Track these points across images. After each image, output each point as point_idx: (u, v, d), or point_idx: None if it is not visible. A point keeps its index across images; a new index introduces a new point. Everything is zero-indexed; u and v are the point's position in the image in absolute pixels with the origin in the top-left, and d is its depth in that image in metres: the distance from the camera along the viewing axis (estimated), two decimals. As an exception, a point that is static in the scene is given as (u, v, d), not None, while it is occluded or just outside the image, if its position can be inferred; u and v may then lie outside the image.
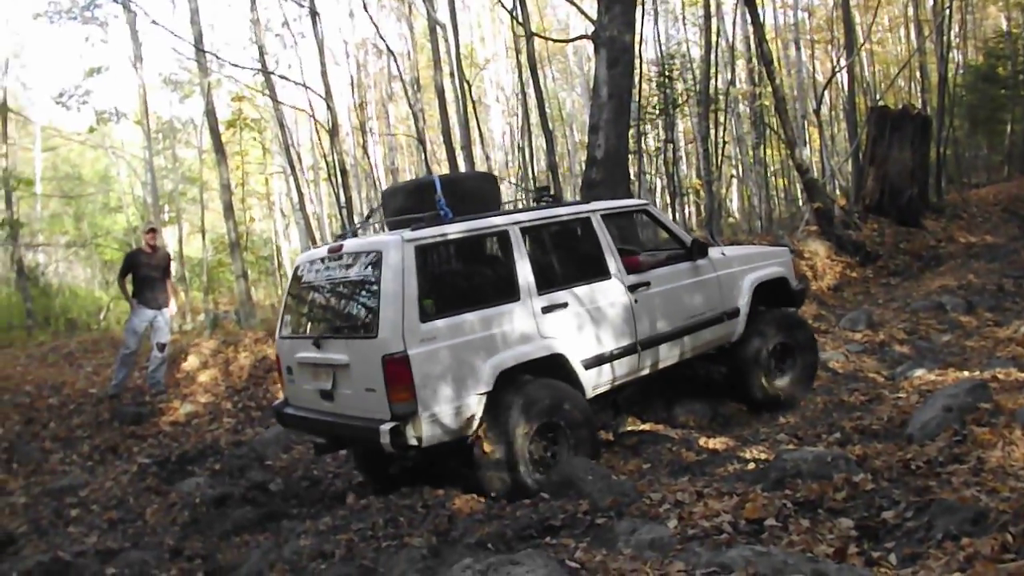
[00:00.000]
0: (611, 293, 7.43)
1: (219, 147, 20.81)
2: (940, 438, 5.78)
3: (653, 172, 27.51)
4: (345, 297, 7.05)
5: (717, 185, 24.77)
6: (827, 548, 4.24)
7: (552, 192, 8.43)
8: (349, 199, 20.02)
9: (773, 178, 34.60)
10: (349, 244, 7.05)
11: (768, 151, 32.31)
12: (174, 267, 13.17)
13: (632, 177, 18.70)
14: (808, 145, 32.81)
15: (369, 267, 6.56)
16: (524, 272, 6.90)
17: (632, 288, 7.56)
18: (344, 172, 19.93)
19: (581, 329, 7.12)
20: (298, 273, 7.58)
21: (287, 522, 7.22)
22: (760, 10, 19.49)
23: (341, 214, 21.34)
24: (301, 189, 24.77)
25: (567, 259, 7.55)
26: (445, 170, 24.23)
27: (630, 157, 17.77)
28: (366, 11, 21.75)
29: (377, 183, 34.05)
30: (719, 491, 5.49)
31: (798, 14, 32.93)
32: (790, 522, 4.71)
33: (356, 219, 21.17)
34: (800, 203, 28.12)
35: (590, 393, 7.14)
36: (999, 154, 29.46)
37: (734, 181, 34.47)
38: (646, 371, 7.77)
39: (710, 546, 4.42)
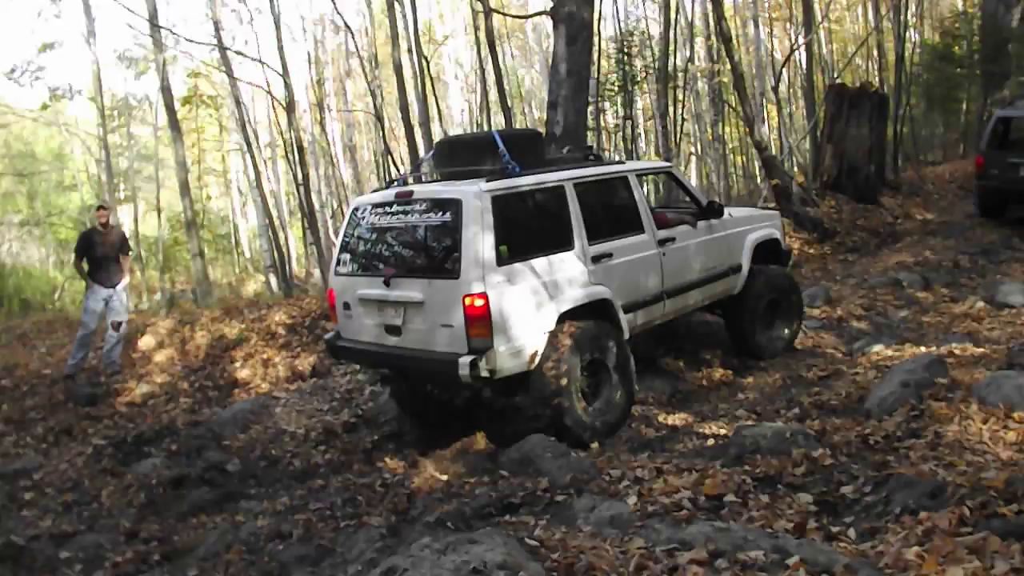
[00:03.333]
0: (645, 246, 8.08)
1: (175, 124, 20.55)
2: (898, 413, 5.83)
3: (612, 149, 27.46)
4: (419, 240, 7.38)
5: (676, 162, 24.80)
6: (787, 523, 4.25)
7: (596, 152, 9.05)
8: (306, 176, 19.81)
9: (731, 155, 34.78)
10: (420, 190, 7.49)
11: (726, 128, 32.47)
12: (131, 244, 12.96)
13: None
14: (766, 122, 32.95)
15: (447, 213, 6.98)
16: (578, 224, 7.47)
17: (661, 243, 8.23)
18: (301, 149, 19.71)
19: (622, 278, 7.75)
20: (357, 215, 7.95)
21: (244, 503, 7.18)
22: (719, -13, 19.43)
23: (298, 191, 21.14)
24: (258, 166, 24.54)
25: (610, 214, 8.04)
26: (403, 147, 24.08)
27: (589, 134, 17.74)
28: (323, -14, 21.48)
29: (335, 160, 33.84)
30: (678, 467, 5.50)
31: (757, -9, 32.99)
32: (749, 498, 4.73)
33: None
34: (758, 180, 28.26)
35: (627, 334, 7.70)
36: (955, 132, 29.67)
37: (692, 158, 34.57)
38: (667, 317, 8.59)
39: (670, 522, 4.41)
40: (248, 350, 11.84)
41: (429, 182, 8.40)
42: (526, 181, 7.28)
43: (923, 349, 8.25)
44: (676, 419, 7.65)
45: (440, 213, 7.03)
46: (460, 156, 7.81)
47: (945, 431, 5.27)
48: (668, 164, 10.46)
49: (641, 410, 7.97)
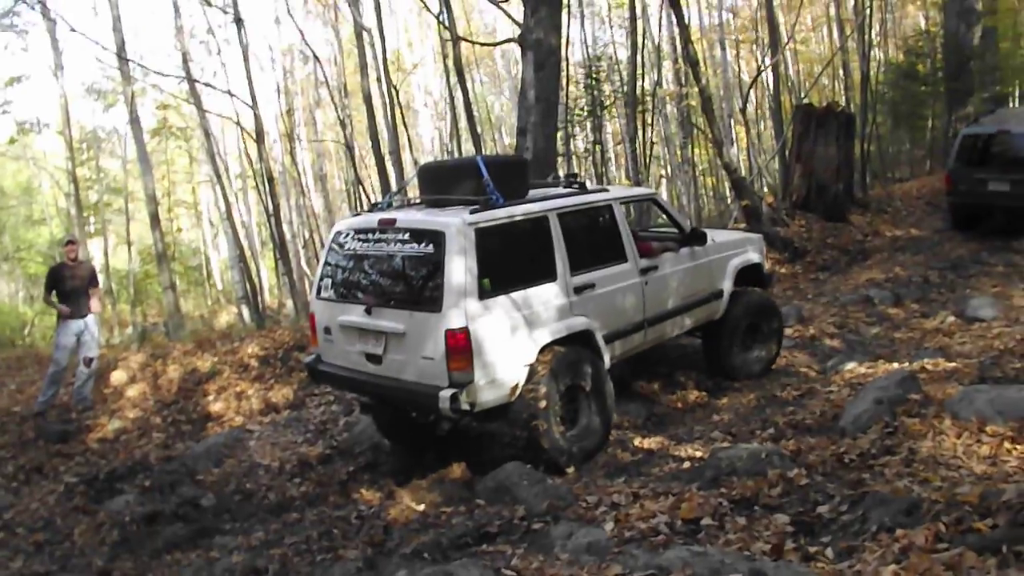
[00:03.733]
0: (627, 275, 8.07)
1: (144, 157, 20.52)
2: (872, 430, 5.84)
3: (584, 173, 27.57)
4: (401, 269, 7.29)
5: (646, 185, 24.91)
6: (764, 545, 4.24)
7: (579, 179, 8.95)
8: (277, 207, 19.77)
9: (701, 177, 34.98)
10: (403, 218, 7.39)
11: (696, 150, 32.64)
12: (100, 279, 12.86)
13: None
14: (735, 144, 33.19)
15: (430, 244, 6.92)
16: (561, 254, 7.46)
17: (643, 271, 8.24)
18: (271, 180, 19.70)
19: (604, 308, 7.75)
20: (340, 239, 7.85)
21: (219, 538, 7.10)
22: (685, 11, 19.63)
23: (269, 222, 21.08)
24: (228, 198, 24.50)
25: (593, 243, 8.01)
26: (374, 176, 24.08)
27: (559, 159, 17.79)
28: (291, 17, 21.57)
29: (306, 189, 33.76)
30: (655, 491, 5.49)
31: (723, 14, 33.42)
32: (726, 520, 4.72)
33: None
34: (728, 201, 28.42)
35: (608, 363, 7.73)
36: (921, 149, 29.98)
37: (663, 181, 34.74)
38: (648, 345, 8.56)
39: (647, 548, 4.40)
40: (221, 383, 11.75)
41: (412, 206, 8.36)
42: (510, 212, 7.23)
43: (896, 365, 8.27)
44: (652, 443, 7.64)
45: (423, 244, 6.99)
46: (443, 182, 7.80)
47: (919, 447, 5.28)
48: (651, 191, 10.48)
49: (617, 434, 7.96)
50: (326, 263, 7.96)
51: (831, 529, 4.46)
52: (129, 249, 33.03)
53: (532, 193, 7.89)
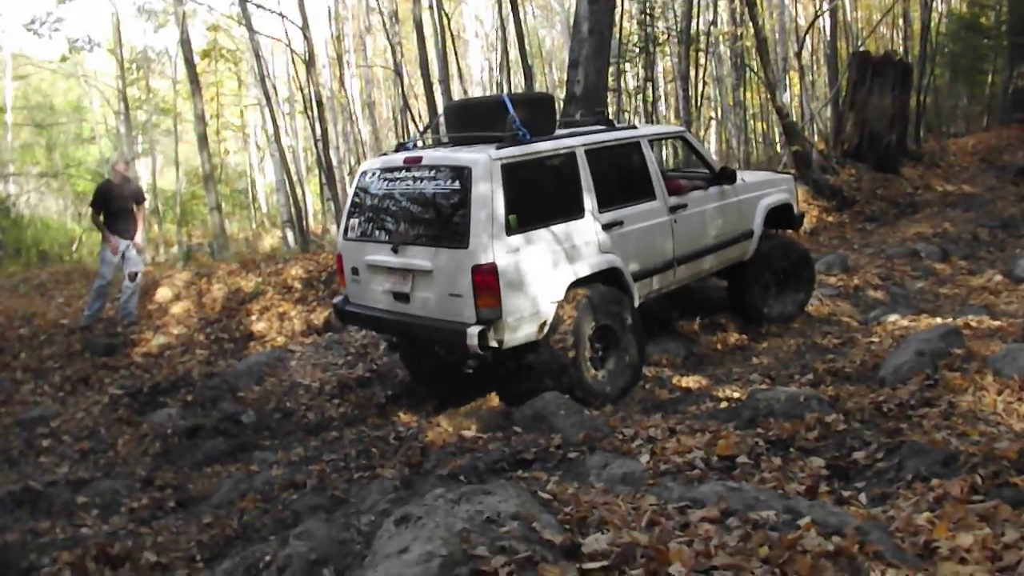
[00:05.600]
0: (656, 213, 8.03)
1: (194, 78, 20.52)
2: (912, 382, 5.82)
3: (632, 111, 27.32)
4: (427, 207, 7.27)
5: (696, 126, 24.67)
6: (798, 486, 4.26)
7: (607, 115, 8.98)
8: (325, 132, 19.81)
9: (752, 121, 34.54)
10: (429, 156, 7.36)
11: (748, 93, 32.20)
12: (148, 199, 12.97)
13: (611, 115, 18.58)
14: (788, 89, 32.70)
15: (456, 180, 6.91)
16: (589, 191, 7.41)
17: (672, 209, 8.18)
18: (320, 105, 19.67)
19: (632, 245, 7.71)
20: (365, 179, 7.86)
21: (259, 453, 7.23)
22: (745, -50, 19.25)
23: (316, 147, 21.15)
24: (276, 122, 24.47)
25: (621, 180, 7.94)
26: (422, 104, 24.00)
27: (609, 95, 17.64)
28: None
29: (354, 116, 33.76)
30: (691, 428, 5.52)
31: (783, -44, 32.62)
32: (762, 460, 4.74)
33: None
34: (778, 147, 28.09)
35: (637, 302, 7.72)
36: (979, 104, 29.43)
37: (713, 123, 34.35)
38: (678, 284, 8.55)
39: (682, 481, 4.44)
40: (264, 304, 11.90)
41: (439, 146, 8.28)
42: (537, 148, 7.17)
43: (939, 320, 8.21)
44: (690, 382, 7.66)
45: (449, 181, 6.97)
46: (470, 120, 7.69)
47: (959, 401, 5.27)
48: (681, 129, 10.40)
49: (655, 372, 7.99)
50: (352, 204, 7.95)
51: (866, 475, 4.47)
52: (177, 170, 33.24)
53: (560, 131, 7.81)
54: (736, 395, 6.85)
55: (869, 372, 6.69)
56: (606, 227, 7.44)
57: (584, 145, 7.52)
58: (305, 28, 19.03)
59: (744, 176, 9.35)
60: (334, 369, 9.36)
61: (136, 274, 11.23)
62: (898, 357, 6.43)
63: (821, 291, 10.35)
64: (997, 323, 7.70)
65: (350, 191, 8.17)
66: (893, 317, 8.91)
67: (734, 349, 8.81)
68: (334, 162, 26.35)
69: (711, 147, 34.14)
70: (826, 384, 6.51)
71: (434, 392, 8.37)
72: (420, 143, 8.54)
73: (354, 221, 7.87)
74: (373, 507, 4.61)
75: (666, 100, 33.54)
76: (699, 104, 25.50)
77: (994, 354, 6.00)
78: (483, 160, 6.74)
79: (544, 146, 7.26)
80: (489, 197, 6.63)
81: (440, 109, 12.00)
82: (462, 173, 6.83)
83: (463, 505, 3.41)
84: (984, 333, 7.22)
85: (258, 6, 21.90)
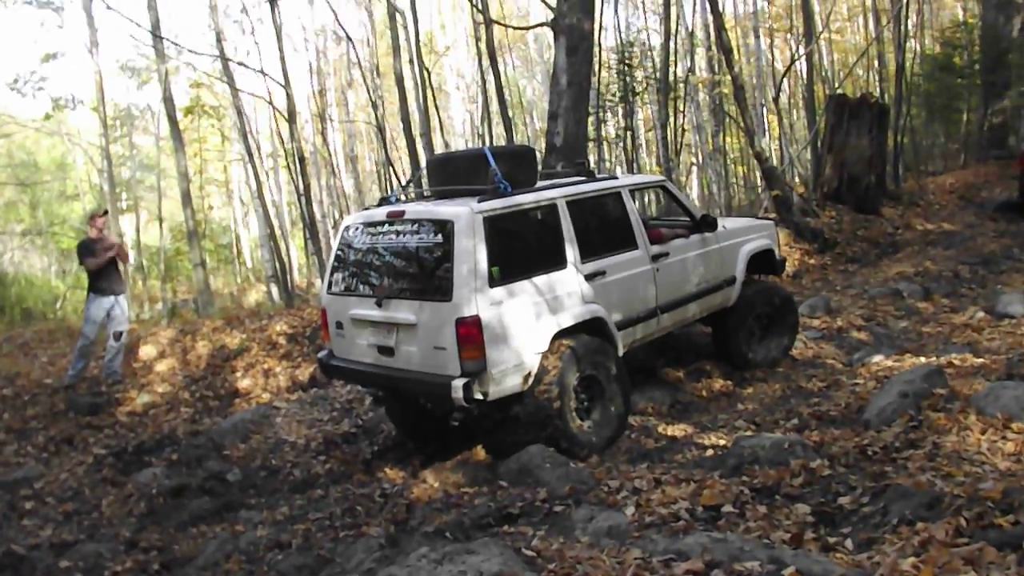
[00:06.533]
0: (638, 262, 8.06)
1: (177, 134, 20.62)
2: (896, 424, 5.83)
3: (613, 160, 27.51)
4: (410, 260, 7.26)
5: (677, 173, 24.84)
6: (784, 534, 4.25)
7: (588, 166, 9.01)
8: (308, 187, 19.86)
9: (732, 165, 34.76)
10: (411, 210, 7.36)
11: (727, 139, 32.46)
12: (132, 255, 12.94)
13: (592, 165, 18.70)
14: (767, 133, 33.00)
15: (439, 234, 6.93)
16: (571, 242, 7.44)
17: (654, 258, 8.21)
18: (302, 159, 19.77)
19: (615, 295, 7.73)
20: (349, 233, 7.85)
21: (245, 512, 7.19)
22: (720, -2, 19.48)
23: (300, 202, 21.19)
24: (259, 177, 24.58)
25: (603, 230, 8.03)
26: (404, 158, 24.14)
27: (590, 144, 17.78)
28: (325, -3, 21.57)
29: (336, 170, 33.86)
30: (677, 478, 5.50)
31: (758, 2, 33.06)
32: (747, 508, 4.73)
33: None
34: (759, 191, 28.28)
35: (621, 351, 7.71)
36: (956, 142, 29.68)
37: (694, 168, 34.60)
38: (661, 332, 8.55)
39: (667, 533, 4.42)
40: (249, 360, 11.87)
41: (421, 199, 8.29)
42: (518, 200, 7.21)
43: (923, 359, 8.23)
44: (675, 430, 7.66)
45: (432, 234, 6.99)
46: (452, 174, 7.76)
47: (943, 442, 5.28)
48: (661, 178, 10.39)
49: (640, 420, 7.98)
50: (336, 258, 7.94)
51: (851, 520, 4.46)
52: (160, 226, 33.23)
53: (541, 183, 7.85)
54: (722, 442, 6.85)
55: (854, 415, 6.69)
56: (589, 277, 7.44)
57: (565, 196, 7.56)
58: (286, 85, 19.16)
59: (725, 223, 9.39)
60: (320, 425, 9.33)
61: (121, 333, 11.20)
62: (882, 399, 6.44)
63: (805, 334, 10.37)
64: (980, 360, 7.71)
65: (333, 245, 8.18)
66: (877, 358, 8.94)
67: (719, 395, 8.82)
68: (317, 216, 26.45)
69: (693, 193, 34.42)
70: (811, 429, 6.51)
71: (420, 447, 8.32)
72: (402, 197, 8.56)
73: (338, 275, 7.86)
74: (358, 566, 4.60)
75: (648, 148, 33.81)
76: (679, 151, 25.70)
77: (977, 393, 6.00)
78: (465, 213, 6.75)
79: (526, 198, 7.30)
80: (472, 250, 6.64)
81: (422, 162, 12.09)
82: (445, 226, 6.85)
83: (446, 566, 3.41)
84: (967, 371, 7.24)
85: (240, 63, 22.07)
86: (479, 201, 6.89)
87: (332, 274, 7.95)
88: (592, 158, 20.48)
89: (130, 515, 7.47)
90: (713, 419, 7.86)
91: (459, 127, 34.72)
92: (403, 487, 6.69)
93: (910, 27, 26.76)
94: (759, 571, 3.47)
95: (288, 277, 23.64)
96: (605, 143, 25.71)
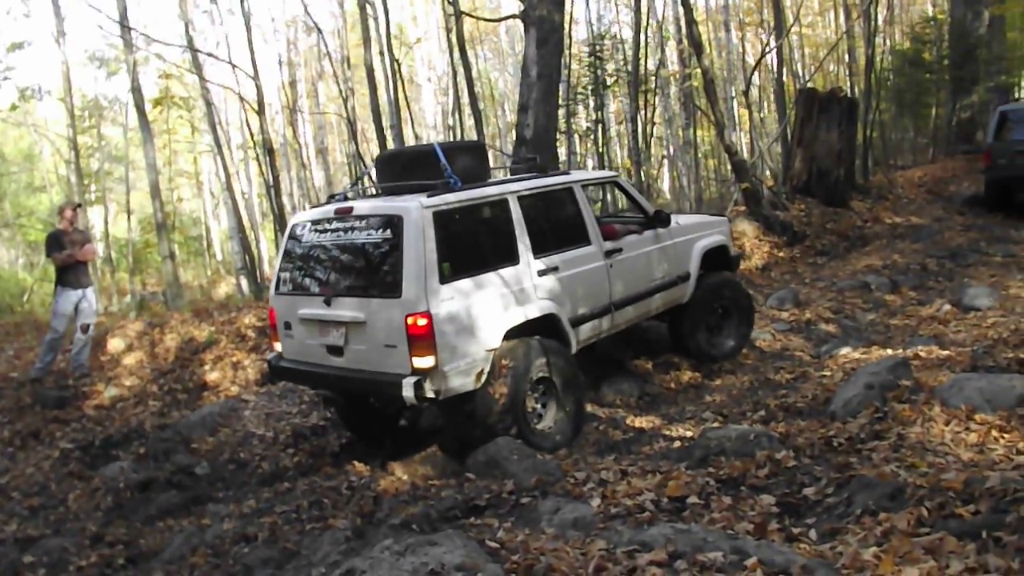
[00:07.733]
0: (591, 258, 8.00)
1: (145, 126, 20.42)
2: (862, 415, 5.87)
3: (583, 152, 27.53)
4: (359, 257, 7.17)
5: (647, 166, 24.89)
6: (748, 525, 4.27)
7: (538, 162, 8.90)
8: (277, 179, 19.72)
9: (703, 159, 34.86)
10: (360, 206, 7.27)
11: (698, 132, 32.53)
12: (100, 248, 12.80)
13: (562, 157, 18.70)
14: (738, 126, 33.14)
15: (388, 230, 6.82)
16: (523, 237, 7.38)
17: (608, 254, 8.17)
18: (271, 151, 19.63)
19: (568, 291, 7.65)
20: (296, 232, 7.73)
21: (212, 506, 7.17)
22: (690, -9, 19.49)
23: (269, 194, 21.07)
24: (229, 169, 24.41)
25: (555, 226, 7.92)
26: (375, 150, 24.05)
27: (560, 137, 17.77)
28: (295, -12, 21.43)
29: (307, 163, 33.72)
30: (643, 469, 5.53)
31: (729, -4, 33.14)
32: (712, 499, 4.75)
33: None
34: (729, 184, 28.38)
35: (575, 348, 7.67)
36: (925, 137, 29.88)
37: (664, 161, 34.67)
38: (615, 329, 8.44)
39: (632, 524, 4.44)
40: (218, 353, 11.78)
41: (370, 197, 8.19)
42: (469, 196, 7.15)
43: (889, 351, 8.31)
44: (643, 422, 7.69)
45: (381, 230, 6.89)
46: (402, 169, 7.66)
47: (908, 433, 5.31)
48: (614, 174, 10.41)
49: (608, 412, 8.02)
50: (284, 258, 7.82)
51: (816, 511, 4.49)
52: (129, 218, 32.97)
53: (492, 178, 7.83)
54: (689, 434, 6.89)
55: (820, 406, 6.74)
56: (541, 273, 7.40)
57: (516, 191, 7.52)
58: (256, 77, 19.01)
59: (679, 219, 9.42)
60: (288, 418, 9.30)
61: (88, 326, 11.10)
62: (848, 391, 6.49)
63: (774, 326, 10.44)
64: (946, 353, 7.80)
65: (280, 246, 8.06)
66: (845, 350, 9.02)
67: (688, 387, 8.87)
68: (288, 208, 26.26)
69: (664, 186, 34.46)
70: (777, 420, 6.56)
71: (385, 442, 8.29)
72: (350, 194, 8.47)
73: (286, 275, 7.74)
74: (324, 559, 4.59)
75: (618, 140, 33.84)
76: (649, 144, 25.73)
77: (941, 384, 6.06)
78: (414, 208, 6.68)
79: (476, 193, 7.25)
80: (422, 246, 6.56)
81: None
82: (393, 222, 6.78)
83: (408, 557, 3.40)
84: (933, 363, 7.32)
85: (209, 54, 21.89)
86: (428, 196, 6.83)
87: (280, 273, 7.82)
88: (562, 151, 20.52)
89: (97, 509, 7.44)
90: (681, 411, 7.91)
91: (430, 119, 34.58)
92: (370, 480, 6.68)
93: (880, 22, 26.94)
94: (722, 561, 3.49)
95: (258, 269, 23.52)
96: (576, 135, 25.70)
